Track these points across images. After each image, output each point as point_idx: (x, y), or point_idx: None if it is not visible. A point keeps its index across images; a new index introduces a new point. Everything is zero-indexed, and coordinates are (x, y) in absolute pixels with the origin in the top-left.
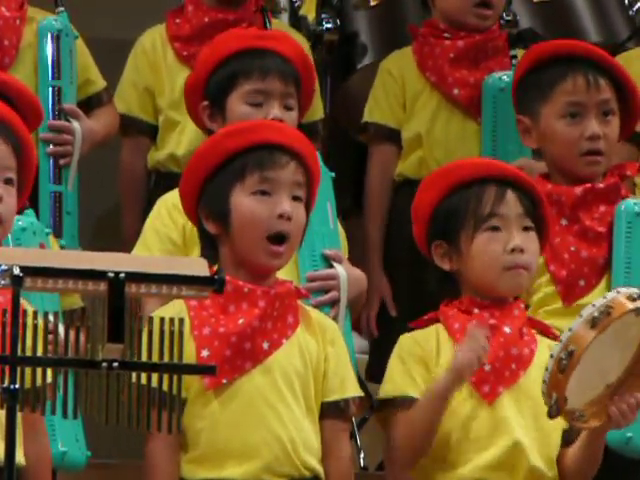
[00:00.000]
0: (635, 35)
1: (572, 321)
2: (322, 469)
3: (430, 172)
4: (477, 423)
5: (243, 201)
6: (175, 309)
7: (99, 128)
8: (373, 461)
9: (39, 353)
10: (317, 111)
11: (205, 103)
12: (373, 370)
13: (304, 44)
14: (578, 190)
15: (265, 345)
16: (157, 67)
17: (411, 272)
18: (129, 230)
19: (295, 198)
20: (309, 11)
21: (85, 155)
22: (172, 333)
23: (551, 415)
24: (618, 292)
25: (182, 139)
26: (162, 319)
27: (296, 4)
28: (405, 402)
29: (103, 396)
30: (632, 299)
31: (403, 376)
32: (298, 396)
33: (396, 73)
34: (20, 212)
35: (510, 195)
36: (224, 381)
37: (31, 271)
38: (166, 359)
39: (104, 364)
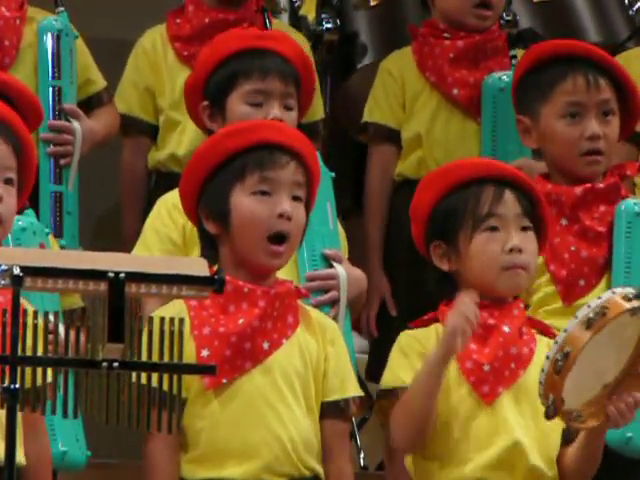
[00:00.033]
0: (635, 35)
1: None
2: (322, 469)
3: (430, 172)
4: (477, 423)
5: (243, 201)
6: (175, 309)
7: (99, 128)
8: (373, 461)
9: (39, 353)
10: (318, 111)
11: (205, 103)
12: (373, 370)
13: (304, 44)
14: (578, 190)
15: (265, 345)
16: (158, 67)
17: (410, 272)
18: (129, 230)
19: (295, 198)
20: (309, 11)
21: (85, 155)
22: (172, 333)
23: (548, 416)
24: (613, 292)
25: (183, 139)
26: (162, 319)
27: (296, 4)
28: (405, 392)
29: (103, 396)
30: (627, 299)
31: (404, 367)
32: (298, 396)
33: (396, 73)
34: (20, 212)
35: (508, 195)
36: (224, 381)
37: (31, 271)
38: (166, 359)
39: (104, 364)
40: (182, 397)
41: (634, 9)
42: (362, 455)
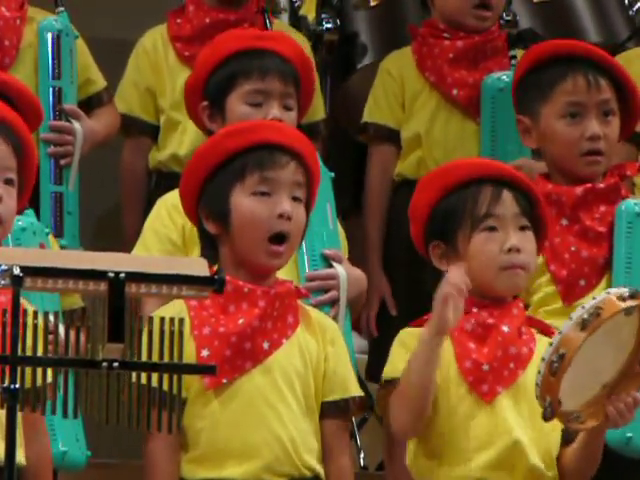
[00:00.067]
0: (635, 35)
1: None
2: (322, 469)
3: (429, 172)
4: (476, 422)
5: (243, 201)
6: (175, 309)
7: (100, 128)
8: (373, 461)
9: (39, 353)
10: (318, 111)
11: (205, 103)
12: (373, 370)
13: (304, 44)
14: (578, 190)
15: (265, 345)
16: (158, 67)
17: (409, 272)
18: (130, 230)
19: (295, 198)
20: (309, 11)
21: (86, 155)
22: (172, 333)
23: (545, 418)
24: (608, 293)
25: (184, 139)
26: (162, 319)
27: (296, 4)
28: None
29: (103, 396)
30: (622, 299)
31: (404, 360)
32: (298, 396)
33: (395, 73)
34: (20, 212)
35: (506, 195)
36: (224, 381)
37: (31, 271)
38: (166, 359)
39: (104, 364)
40: (182, 397)
41: (634, 9)
42: (362, 455)
